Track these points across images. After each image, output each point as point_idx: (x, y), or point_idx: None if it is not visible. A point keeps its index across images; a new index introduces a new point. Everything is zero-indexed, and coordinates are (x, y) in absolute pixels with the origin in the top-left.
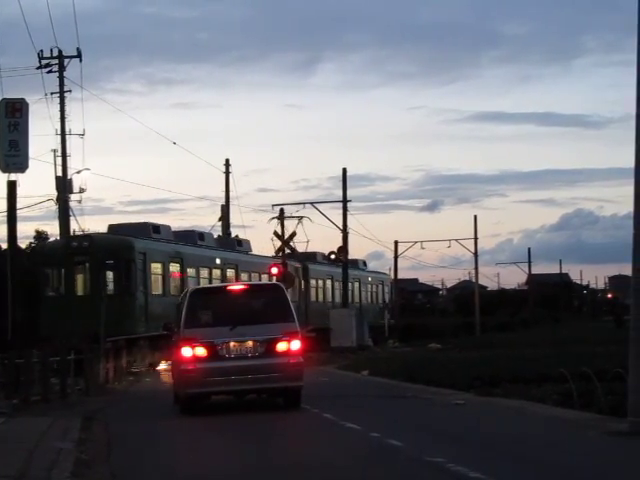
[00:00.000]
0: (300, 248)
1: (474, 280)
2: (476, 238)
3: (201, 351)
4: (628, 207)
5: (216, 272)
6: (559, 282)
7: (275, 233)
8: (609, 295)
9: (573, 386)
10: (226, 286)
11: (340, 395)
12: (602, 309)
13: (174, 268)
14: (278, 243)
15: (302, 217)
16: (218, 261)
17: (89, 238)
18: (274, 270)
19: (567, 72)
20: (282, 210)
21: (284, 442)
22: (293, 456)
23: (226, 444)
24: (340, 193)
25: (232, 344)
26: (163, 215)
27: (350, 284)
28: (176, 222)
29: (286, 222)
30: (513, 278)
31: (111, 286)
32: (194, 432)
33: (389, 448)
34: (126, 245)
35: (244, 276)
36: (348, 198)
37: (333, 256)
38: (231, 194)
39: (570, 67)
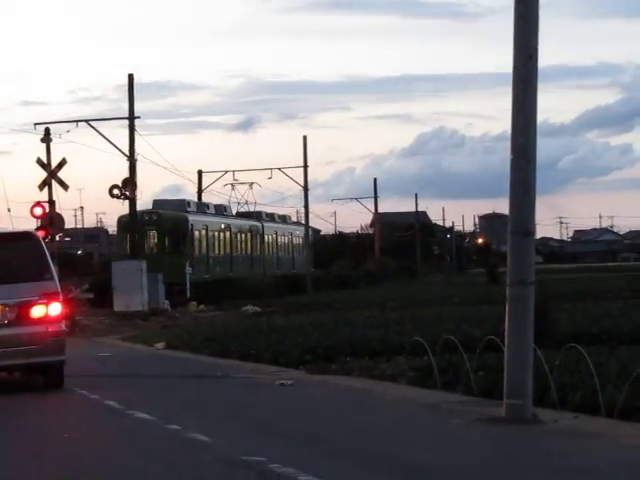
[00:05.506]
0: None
1: (303, 221)
2: (306, 166)
3: None
4: (504, 124)
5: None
6: (414, 223)
7: (39, 161)
8: (480, 240)
9: (433, 359)
10: None
11: (126, 375)
12: (471, 259)
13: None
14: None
15: (252, 183)
16: (222, 225)
17: (157, 213)
18: (37, 210)
19: None
20: (48, 130)
21: (60, 440)
22: (75, 459)
23: None
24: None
25: None
26: None
27: (287, 237)
28: None
29: (57, 146)
30: (355, 219)
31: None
32: None
33: (193, 445)
34: (183, 218)
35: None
36: (137, 114)
37: (116, 191)
38: None
39: None
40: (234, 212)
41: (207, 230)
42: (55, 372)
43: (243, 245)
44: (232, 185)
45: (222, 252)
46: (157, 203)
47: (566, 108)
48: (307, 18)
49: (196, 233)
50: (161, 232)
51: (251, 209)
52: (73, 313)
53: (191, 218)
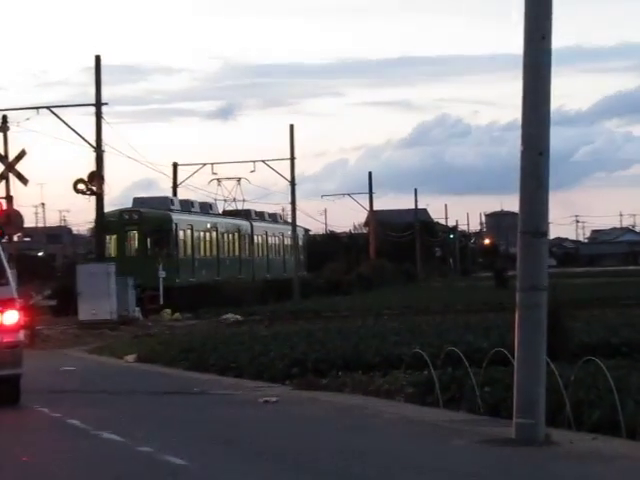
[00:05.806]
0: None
1: (290, 219)
2: (293, 158)
3: None
4: (514, 111)
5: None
6: (414, 222)
7: None
8: (486, 241)
9: (435, 374)
10: None
11: (92, 391)
12: (477, 261)
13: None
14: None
15: (240, 178)
16: (208, 225)
17: (138, 212)
18: None
19: None
20: (5, 118)
21: (17, 464)
22: None
23: None
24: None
25: None
26: None
27: (278, 238)
28: None
29: (15, 135)
30: (347, 217)
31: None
32: None
33: (167, 469)
34: (167, 218)
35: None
36: (105, 100)
37: (82, 186)
38: None
39: None
40: (220, 210)
41: (192, 230)
42: (11, 387)
43: (231, 246)
44: (218, 180)
45: (209, 254)
46: (138, 201)
47: (583, 94)
48: None
49: (181, 233)
50: (143, 233)
51: (239, 207)
52: (33, 322)
53: (175, 217)
